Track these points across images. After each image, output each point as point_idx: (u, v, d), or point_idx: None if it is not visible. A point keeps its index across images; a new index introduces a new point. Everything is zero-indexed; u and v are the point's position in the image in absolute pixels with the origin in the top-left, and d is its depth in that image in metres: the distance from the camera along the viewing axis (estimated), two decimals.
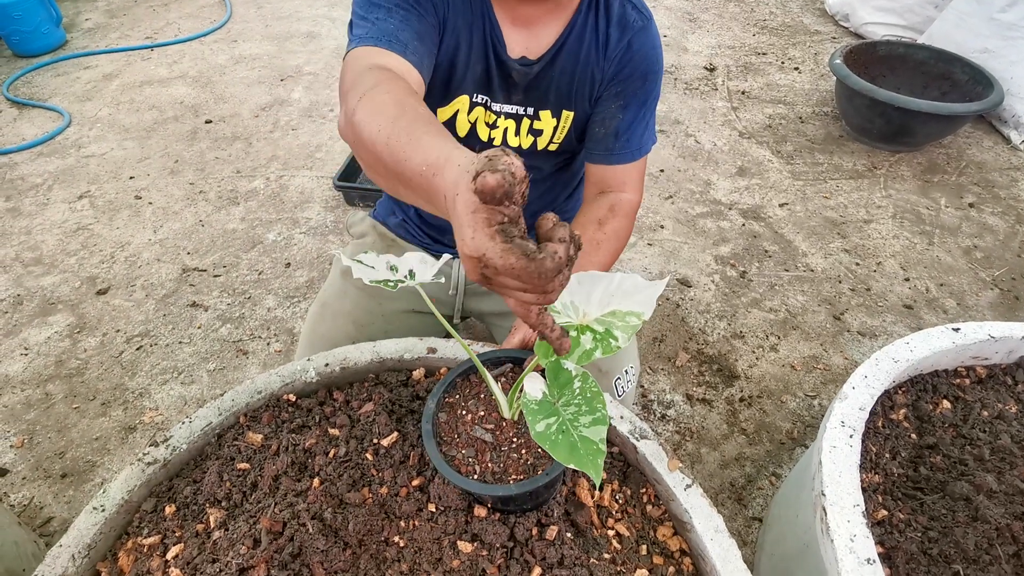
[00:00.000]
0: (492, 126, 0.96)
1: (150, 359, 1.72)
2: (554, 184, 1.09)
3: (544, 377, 0.61)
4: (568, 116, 0.96)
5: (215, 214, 2.22)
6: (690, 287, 1.92)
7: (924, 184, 2.34)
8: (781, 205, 2.26)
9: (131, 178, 2.38)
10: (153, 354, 1.73)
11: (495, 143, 0.97)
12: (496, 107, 0.94)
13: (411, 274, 0.71)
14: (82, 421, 1.57)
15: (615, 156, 0.96)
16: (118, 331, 1.80)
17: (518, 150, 0.98)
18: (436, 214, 0.52)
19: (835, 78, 2.45)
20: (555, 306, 0.60)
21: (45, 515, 1.39)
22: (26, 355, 1.73)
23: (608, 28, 0.91)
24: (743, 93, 2.91)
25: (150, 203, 2.26)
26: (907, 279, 1.96)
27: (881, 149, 2.47)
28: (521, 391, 0.68)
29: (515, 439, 0.72)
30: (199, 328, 1.80)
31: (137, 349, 1.74)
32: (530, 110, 0.95)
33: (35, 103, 2.81)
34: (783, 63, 3.17)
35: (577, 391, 0.58)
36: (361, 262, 0.72)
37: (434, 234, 1.14)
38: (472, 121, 0.96)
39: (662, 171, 2.41)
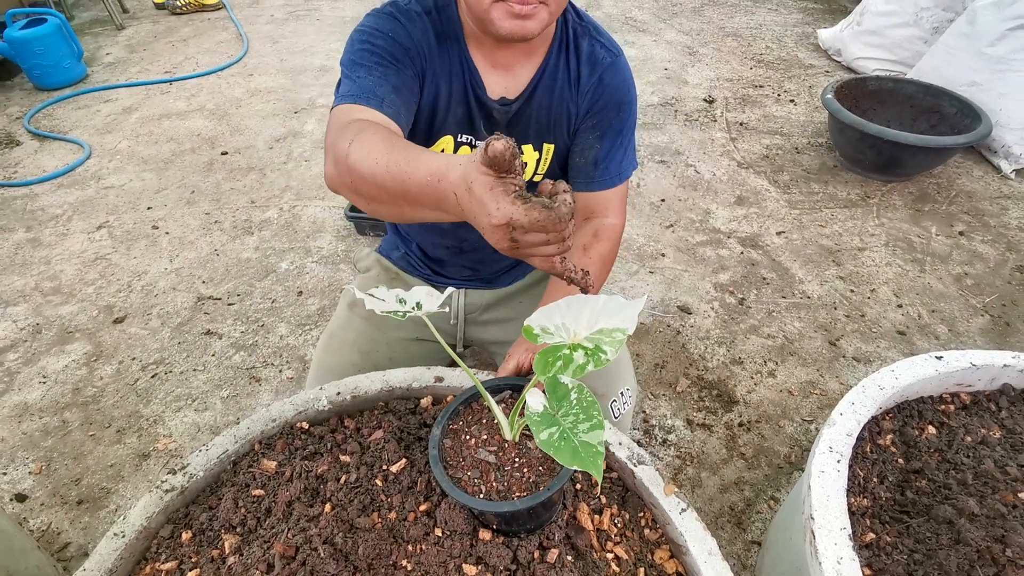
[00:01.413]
0: None
1: (164, 386, 1.76)
2: None
3: (544, 392, 0.66)
4: (549, 148, 1.03)
5: (230, 244, 2.29)
6: (690, 314, 1.97)
7: (915, 213, 2.40)
8: (778, 233, 2.32)
9: (149, 208, 2.46)
10: (168, 381, 1.78)
11: None
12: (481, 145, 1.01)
13: (418, 305, 0.77)
14: (97, 448, 1.61)
15: (596, 183, 1.02)
16: (134, 359, 1.85)
17: None
18: (446, 218, 0.63)
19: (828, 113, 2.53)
20: (548, 328, 0.65)
21: (62, 540, 1.42)
22: (44, 383, 1.78)
23: (579, 66, 0.98)
24: (741, 124, 2.99)
25: (167, 233, 2.33)
26: (900, 306, 2.00)
27: (874, 179, 2.54)
28: (521, 413, 0.73)
29: (517, 459, 0.76)
30: (213, 356, 1.85)
31: (152, 377, 1.79)
32: None
33: (56, 135, 2.90)
34: (779, 95, 3.25)
35: (575, 401, 0.65)
36: (373, 295, 0.78)
37: (434, 267, 1.21)
38: None
39: (663, 200, 2.48)
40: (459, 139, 1.01)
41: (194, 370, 1.81)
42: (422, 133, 1.01)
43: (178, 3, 4.14)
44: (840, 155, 2.66)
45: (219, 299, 2.05)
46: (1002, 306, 1.99)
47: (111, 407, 1.71)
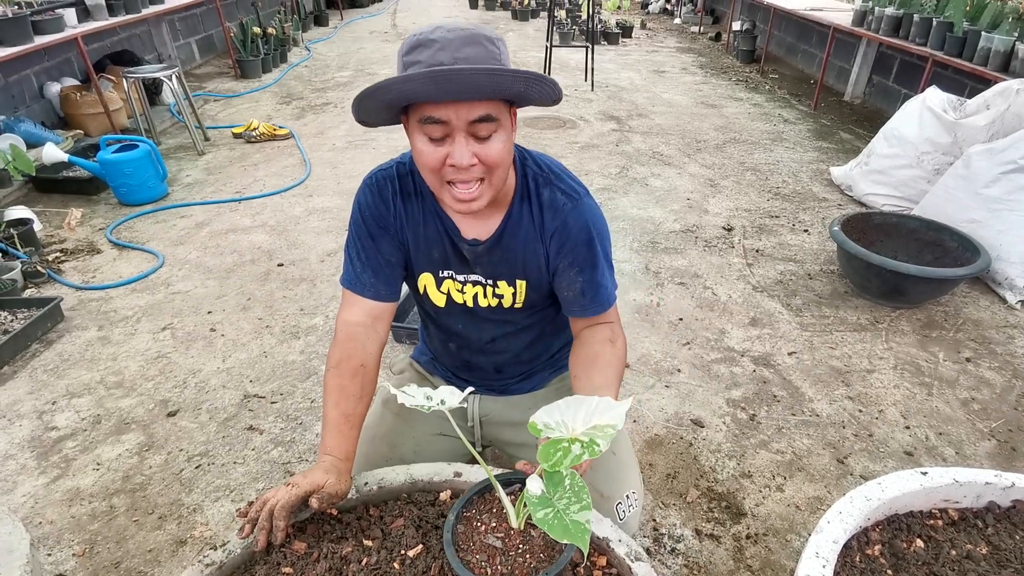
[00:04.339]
0: (462, 291, 1.18)
1: (206, 477, 1.86)
2: (541, 334, 1.27)
3: (543, 479, 0.79)
4: (522, 284, 1.14)
5: (278, 347, 2.47)
6: (703, 427, 2.05)
7: (923, 339, 2.48)
8: (790, 354, 2.41)
9: (209, 313, 2.68)
10: (209, 472, 1.87)
11: (467, 304, 1.19)
12: (461, 278, 1.16)
13: (442, 401, 0.92)
14: (139, 533, 1.68)
15: (589, 310, 1.13)
16: (181, 450, 1.96)
17: (488, 308, 1.18)
18: None
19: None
20: (550, 424, 0.79)
21: None
22: (98, 470, 1.89)
23: (542, 213, 1.09)
24: (757, 251, 3.17)
25: (222, 335, 2.53)
26: (907, 427, 2.04)
27: (882, 305, 2.64)
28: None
29: (521, 545, 0.86)
30: (253, 450, 1.96)
31: (196, 468, 1.89)
32: (489, 280, 1.15)
33: (134, 245, 3.19)
34: (794, 225, 3.44)
35: (568, 487, 0.77)
36: (405, 392, 0.93)
37: (455, 370, 1.36)
38: (445, 292, 1.18)
39: (681, 319, 2.62)
40: (440, 275, 1.17)
41: (234, 463, 1.91)
42: (409, 271, 1.19)
43: (253, 133, 4.68)
44: (850, 282, 2.80)
45: (263, 397, 2.19)
46: (1008, 431, 2.02)
47: (156, 495, 1.80)
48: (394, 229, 1.14)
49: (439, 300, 1.20)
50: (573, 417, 0.82)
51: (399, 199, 1.13)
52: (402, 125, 1.01)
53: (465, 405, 1.02)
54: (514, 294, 1.16)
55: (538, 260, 1.12)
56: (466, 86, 0.86)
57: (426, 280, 1.18)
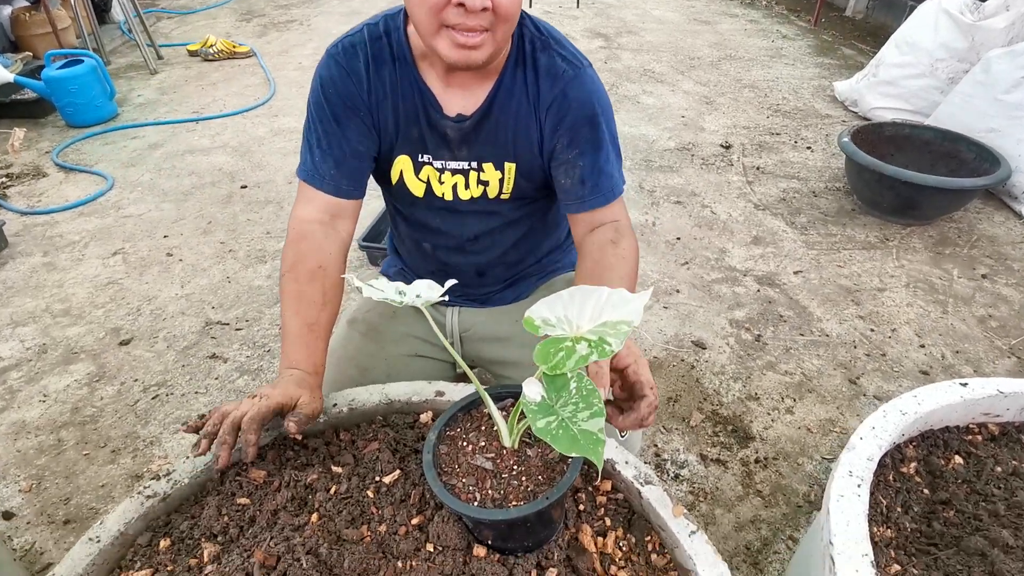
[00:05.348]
0: (441, 182, 1.01)
1: (164, 408, 1.74)
2: (530, 230, 1.12)
3: (542, 384, 0.64)
4: (511, 168, 0.99)
5: (242, 271, 2.30)
6: (705, 349, 1.92)
7: (936, 256, 2.37)
8: (796, 273, 2.29)
9: (165, 237, 2.49)
10: (168, 403, 1.76)
11: (446, 197, 1.03)
12: (439, 164, 0.99)
13: (418, 296, 0.75)
14: (90, 468, 1.59)
15: (588, 202, 0.98)
16: (136, 380, 1.84)
17: (471, 200, 1.03)
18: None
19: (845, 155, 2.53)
20: (550, 320, 0.63)
21: (45, 561, 1.38)
22: (44, 402, 1.77)
23: (538, 81, 0.94)
24: (758, 169, 3.00)
25: (180, 260, 2.35)
26: (922, 346, 1.95)
27: (892, 222, 2.52)
28: (522, 417, 0.70)
29: (516, 467, 0.72)
30: (216, 379, 1.83)
31: (153, 398, 1.78)
32: (473, 164, 0.99)
33: (80, 168, 2.98)
34: (796, 142, 3.27)
35: (573, 391, 0.62)
36: (373, 286, 0.76)
37: (429, 277, 1.19)
38: (425, 180, 1.01)
39: (678, 239, 2.47)
40: (419, 159, 1.00)
41: (196, 393, 1.79)
42: (383, 154, 1.01)
43: (211, 51, 4.31)
44: (858, 199, 2.66)
45: (227, 324, 2.04)
46: None
47: (108, 427, 1.69)
48: (365, 108, 0.96)
49: (417, 189, 1.03)
50: (579, 312, 0.65)
51: (372, 68, 0.95)
52: None
53: (445, 299, 0.86)
54: (501, 180, 1.00)
55: (531, 137, 0.96)
56: None
57: (403, 164, 1.01)
